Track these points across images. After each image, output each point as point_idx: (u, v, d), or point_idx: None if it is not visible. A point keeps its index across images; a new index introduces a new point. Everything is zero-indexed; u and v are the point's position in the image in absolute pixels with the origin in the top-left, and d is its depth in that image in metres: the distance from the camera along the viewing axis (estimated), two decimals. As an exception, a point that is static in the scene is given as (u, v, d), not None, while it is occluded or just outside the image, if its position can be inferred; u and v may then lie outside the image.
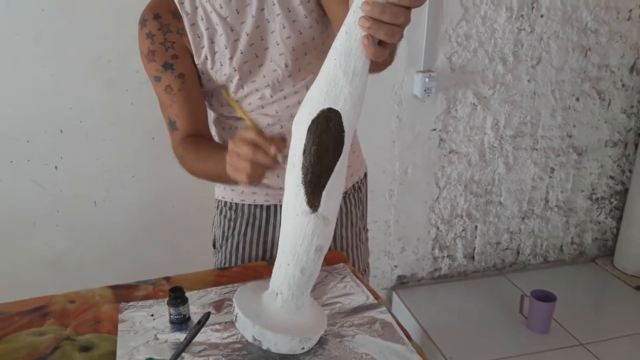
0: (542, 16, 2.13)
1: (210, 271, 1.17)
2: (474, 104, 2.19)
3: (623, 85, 2.33)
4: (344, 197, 1.24)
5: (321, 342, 0.90)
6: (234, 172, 0.87)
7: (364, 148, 1.33)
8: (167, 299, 0.96)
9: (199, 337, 0.90)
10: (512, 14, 2.10)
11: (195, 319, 0.96)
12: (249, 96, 1.10)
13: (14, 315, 1.02)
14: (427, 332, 2.09)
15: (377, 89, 2.04)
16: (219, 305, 1.01)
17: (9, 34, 1.68)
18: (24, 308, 1.04)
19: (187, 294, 0.97)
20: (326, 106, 0.77)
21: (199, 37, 1.05)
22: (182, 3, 1.04)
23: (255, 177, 0.86)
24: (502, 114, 2.23)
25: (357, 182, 1.28)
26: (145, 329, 0.95)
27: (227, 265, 1.25)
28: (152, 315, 0.99)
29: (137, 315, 0.99)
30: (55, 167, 1.83)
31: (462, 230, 2.38)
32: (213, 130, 1.21)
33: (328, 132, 0.78)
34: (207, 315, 0.88)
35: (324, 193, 0.81)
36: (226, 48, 1.05)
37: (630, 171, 2.47)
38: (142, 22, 1.05)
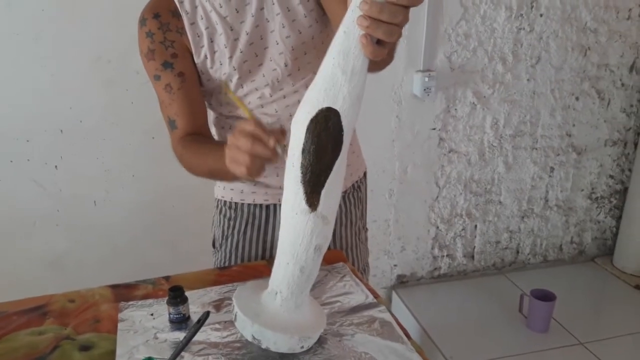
0: (541, 15, 2.13)
1: (209, 270, 1.17)
2: (473, 103, 2.19)
3: (622, 85, 2.33)
4: (344, 197, 1.24)
5: (320, 341, 0.90)
6: (233, 165, 0.87)
7: (364, 147, 1.34)
8: (166, 298, 0.96)
9: (198, 336, 0.90)
10: (511, 13, 2.10)
11: (194, 318, 0.96)
12: (248, 95, 1.10)
13: (13, 315, 1.02)
14: (427, 332, 2.09)
15: (376, 88, 2.04)
16: (218, 305, 1.01)
17: (9, 34, 1.68)
18: (23, 307, 1.04)
19: (187, 293, 0.97)
20: (325, 105, 0.78)
21: (198, 36, 1.05)
22: (181, 2, 1.04)
23: (255, 170, 0.85)
24: (502, 113, 2.24)
25: (356, 182, 1.28)
26: (144, 328, 0.95)
27: (226, 264, 1.25)
28: (151, 315, 0.99)
29: (136, 314, 0.99)
30: (55, 166, 1.84)
31: (462, 230, 2.39)
32: (213, 131, 1.21)
33: (327, 131, 0.78)
34: (206, 315, 0.89)
35: (323, 192, 0.81)
36: (226, 47, 1.05)
37: (630, 170, 2.47)
38: (142, 21, 1.06)
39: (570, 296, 2.27)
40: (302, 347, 0.86)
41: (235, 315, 0.87)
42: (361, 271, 1.33)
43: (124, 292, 1.08)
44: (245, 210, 1.22)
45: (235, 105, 1.12)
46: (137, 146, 1.88)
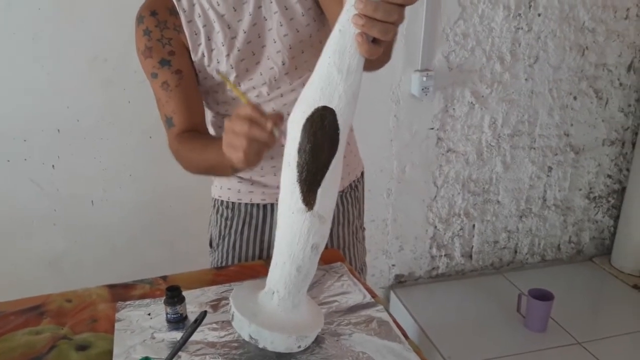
0: (539, 15, 2.13)
1: (207, 270, 1.17)
2: (471, 102, 2.19)
3: (620, 84, 2.34)
4: (341, 196, 1.24)
5: (318, 341, 0.90)
6: (230, 149, 0.85)
7: (362, 147, 1.33)
8: (164, 298, 0.96)
9: (195, 336, 0.90)
10: (509, 12, 2.10)
11: (192, 318, 0.95)
12: (245, 94, 1.10)
13: (10, 315, 1.02)
14: (425, 331, 2.09)
15: (374, 88, 2.04)
16: (215, 305, 1.01)
17: (7, 34, 1.68)
18: (21, 307, 1.04)
19: (184, 293, 0.97)
20: (321, 104, 0.77)
21: (196, 34, 1.05)
22: (179, 0, 1.04)
23: (252, 155, 0.83)
24: (500, 113, 2.24)
25: (354, 181, 1.28)
26: (142, 328, 0.95)
27: (223, 264, 1.25)
28: (149, 314, 0.99)
29: (134, 314, 0.99)
30: (53, 166, 1.83)
31: (460, 229, 2.39)
32: (210, 131, 1.20)
33: (323, 130, 0.78)
34: (203, 314, 0.88)
35: (320, 191, 0.81)
36: (223, 45, 1.05)
37: (628, 170, 2.47)
38: (139, 19, 1.06)
39: (568, 296, 2.27)
40: (300, 346, 0.86)
41: (233, 315, 0.87)
42: (359, 270, 1.33)
43: (121, 292, 1.08)
44: (243, 209, 1.22)
45: (232, 104, 1.12)
46: (134, 146, 1.87)
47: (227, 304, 0.96)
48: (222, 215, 1.25)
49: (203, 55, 1.06)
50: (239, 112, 0.83)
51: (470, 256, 2.45)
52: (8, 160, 1.80)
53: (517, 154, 2.32)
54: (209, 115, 1.19)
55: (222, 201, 1.24)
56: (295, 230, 0.82)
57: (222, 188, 1.23)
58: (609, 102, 2.35)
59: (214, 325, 0.94)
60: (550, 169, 2.39)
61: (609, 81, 2.31)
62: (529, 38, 2.15)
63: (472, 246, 2.43)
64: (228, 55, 1.05)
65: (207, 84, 1.10)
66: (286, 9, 1.04)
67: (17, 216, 1.86)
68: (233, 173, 1.08)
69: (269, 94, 1.09)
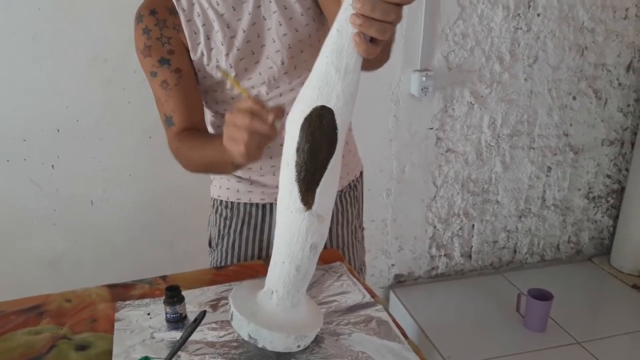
0: (538, 15, 2.13)
1: (207, 270, 1.17)
2: (470, 102, 2.19)
3: (619, 84, 2.34)
4: (340, 196, 1.24)
5: (317, 341, 0.90)
6: (231, 143, 0.84)
7: (361, 147, 1.34)
8: (163, 297, 0.96)
9: (195, 336, 0.90)
10: (508, 12, 2.10)
11: (191, 317, 0.96)
12: (248, 90, 1.09)
13: (10, 315, 1.02)
14: (425, 331, 2.09)
15: (374, 87, 2.04)
16: (215, 304, 1.01)
17: (7, 34, 1.68)
18: (20, 307, 1.04)
19: (184, 293, 0.97)
20: (319, 104, 0.78)
21: (195, 33, 1.05)
22: (178, -1, 1.04)
23: (253, 147, 0.82)
24: (499, 113, 2.24)
25: (352, 181, 1.28)
26: (141, 327, 0.95)
27: (222, 264, 1.25)
28: (148, 314, 0.99)
29: (133, 314, 0.99)
30: (52, 166, 1.83)
31: (459, 229, 2.39)
32: (210, 131, 1.20)
33: (321, 129, 0.78)
34: (203, 314, 0.89)
35: (318, 190, 0.81)
36: (222, 44, 1.05)
37: (627, 170, 2.47)
38: (139, 18, 1.06)
39: (567, 296, 2.27)
40: (299, 346, 0.86)
41: (232, 315, 0.87)
42: (358, 270, 1.33)
43: (120, 292, 1.08)
44: (242, 209, 1.22)
45: (231, 103, 1.12)
46: (134, 146, 1.87)
47: (227, 303, 0.96)
48: (221, 215, 1.25)
49: (202, 54, 1.06)
50: (240, 105, 0.83)
51: (470, 256, 2.45)
52: (8, 160, 1.80)
53: (516, 154, 2.33)
54: (208, 114, 1.19)
55: (221, 201, 1.24)
56: (293, 229, 0.82)
57: (221, 188, 1.23)
58: (608, 102, 2.35)
59: (214, 325, 0.94)
60: (549, 168, 2.39)
61: (608, 81, 2.32)
62: (528, 38, 2.16)
63: (472, 246, 2.43)
64: (227, 54, 1.05)
65: (206, 83, 1.10)
66: (285, 9, 1.04)
67: (16, 216, 1.86)
68: (234, 170, 1.08)
69: (268, 94, 1.10)
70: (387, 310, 0.99)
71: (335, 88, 0.77)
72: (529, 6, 2.11)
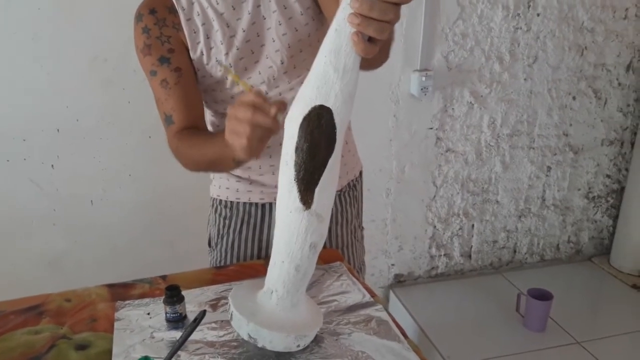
0: (538, 15, 2.13)
1: (206, 270, 1.17)
2: (470, 102, 2.19)
3: (619, 84, 2.34)
4: (339, 195, 1.24)
5: (317, 340, 0.90)
6: (233, 137, 0.83)
7: (361, 147, 1.34)
8: (163, 297, 0.96)
9: (194, 336, 0.90)
10: (508, 12, 2.10)
11: (191, 317, 0.96)
12: (244, 92, 1.10)
13: (9, 314, 1.02)
14: (424, 331, 2.09)
15: (374, 87, 2.04)
16: (214, 304, 1.01)
17: (7, 34, 1.68)
18: (20, 307, 1.04)
19: (184, 293, 0.97)
20: (317, 103, 0.78)
21: (195, 32, 1.05)
22: (178, -2, 1.04)
23: (255, 141, 0.82)
24: (499, 113, 2.24)
25: (352, 180, 1.28)
26: (141, 327, 0.95)
27: (222, 263, 1.25)
28: (148, 314, 0.99)
29: (133, 313, 0.99)
30: (52, 166, 1.83)
31: (459, 229, 2.39)
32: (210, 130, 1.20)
33: (320, 129, 0.78)
34: (202, 314, 0.89)
35: (317, 190, 0.81)
36: (222, 44, 1.05)
37: (627, 170, 2.48)
38: (138, 17, 1.06)
39: (567, 295, 2.27)
40: (298, 345, 0.86)
41: (232, 315, 0.87)
42: (357, 270, 1.33)
43: (120, 292, 1.08)
44: (241, 209, 1.22)
45: (231, 103, 1.12)
46: (134, 146, 1.87)
47: (226, 303, 0.96)
48: (220, 215, 1.25)
49: (202, 53, 1.06)
50: (242, 99, 0.82)
51: (470, 256, 2.45)
52: (8, 160, 1.80)
53: (516, 154, 2.33)
54: (207, 114, 1.19)
55: (220, 200, 1.24)
56: (293, 229, 0.82)
57: (221, 187, 1.23)
58: (608, 102, 2.35)
59: (213, 325, 0.94)
60: (549, 168, 2.39)
61: (607, 81, 2.32)
62: (528, 38, 2.16)
63: (471, 246, 2.43)
64: (227, 53, 1.05)
65: (206, 82, 1.10)
66: (285, 8, 1.04)
67: (16, 216, 1.86)
68: (234, 167, 1.07)
69: (267, 93, 1.10)
70: (386, 310, 0.99)
71: (333, 87, 0.77)
72: (529, 6, 2.11)
